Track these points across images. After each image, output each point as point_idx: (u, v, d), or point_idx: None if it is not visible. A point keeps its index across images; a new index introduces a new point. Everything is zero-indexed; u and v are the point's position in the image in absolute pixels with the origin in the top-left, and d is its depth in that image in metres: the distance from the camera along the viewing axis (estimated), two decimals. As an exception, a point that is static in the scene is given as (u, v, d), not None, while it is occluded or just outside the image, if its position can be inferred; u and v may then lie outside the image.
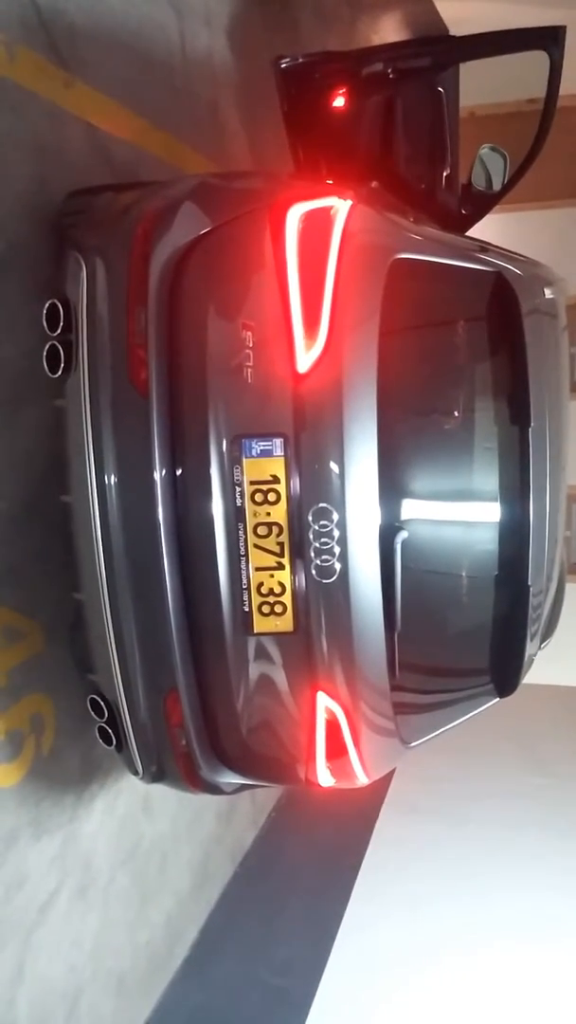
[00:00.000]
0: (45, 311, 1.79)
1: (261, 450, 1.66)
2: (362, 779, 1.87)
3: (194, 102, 2.85)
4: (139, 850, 2.62)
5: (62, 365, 1.77)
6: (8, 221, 1.92)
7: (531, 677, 2.34)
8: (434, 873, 3.69)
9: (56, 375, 1.79)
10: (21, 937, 2.07)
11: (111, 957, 2.49)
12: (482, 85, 5.08)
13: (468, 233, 2.90)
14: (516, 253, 2.34)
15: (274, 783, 2.02)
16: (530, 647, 2.23)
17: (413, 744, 2.02)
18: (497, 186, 2.93)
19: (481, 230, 2.92)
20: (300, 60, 2.83)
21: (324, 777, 1.83)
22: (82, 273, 1.76)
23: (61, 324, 1.77)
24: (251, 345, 1.64)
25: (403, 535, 1.77)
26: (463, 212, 2.98)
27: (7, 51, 1.91)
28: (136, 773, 1.97)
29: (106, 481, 1.71)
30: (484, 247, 2.24)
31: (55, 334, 1.77)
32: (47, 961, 2.17)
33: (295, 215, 1.65)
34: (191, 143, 2.80)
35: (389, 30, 4.74)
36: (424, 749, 2.10)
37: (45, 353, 1.79)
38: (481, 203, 2.96)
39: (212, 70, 2.96)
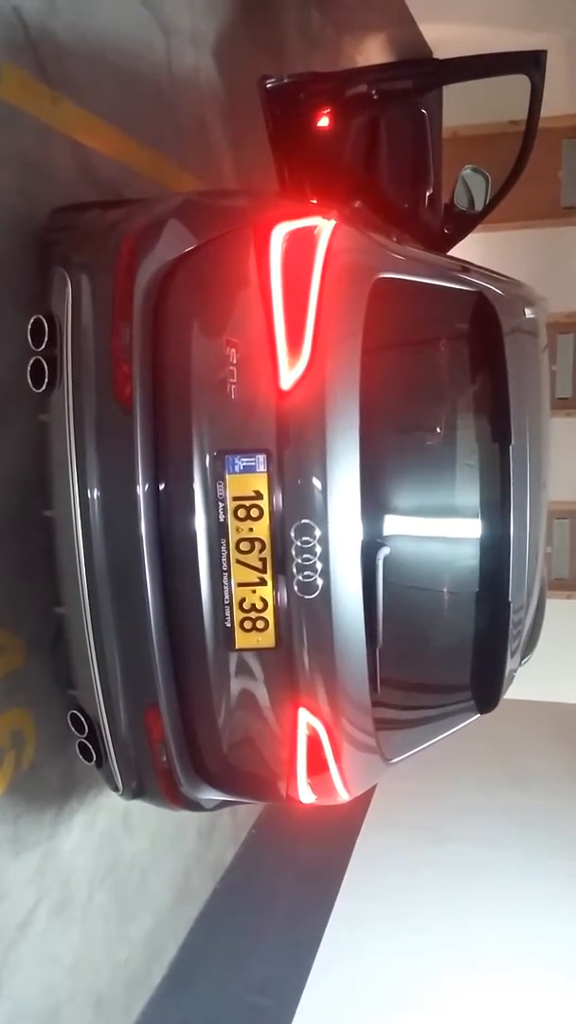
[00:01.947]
0: (30, 326, 1.80)
1: (244, 466, 1.67)
2: (343, 796, 1.87)
3: (180, 120, 2.87)
4: (119, 867, 2.60)
5: (46, 380, 1.77)
6: (-7, 236, 1.93)
7: (513, 692, 2.36)
8: (415, 891, 3.68)
9: (40, 390, 1.79)
10: (-2, 955, 2.05)
11: (90, 975, 2.46)
12: (465, 106, 5.16)
13: (450, 253, 2.94)
14: (498, 273, 2.37)
15: (255, 800, 2.01)
16: (511, 663, 2.25)
17: (394, 760, 2.02)
18: (479, 206, 2.97)
19: (463, 249, 2.96)
20: (285, 80, 2.86)
21: (305, 794, 1.83)
22: (67, 289, 1.77)
23: (46, 339, 1.77)
24: (235, 362, 1.65)
25: (385, 551, 1.79)
26: (445, 231, 3.02)
27: (-6, 68, 1.92)
28: (116, 789, 1.96)
29: (89, 496, 1.71)
30: (466, 267, 2.27)
31: (40, 349, 1.78)
32: (25, 979, 2.15)
33: (279, 234, 1.67)
34: (177, 161, 2.82)
35: (374, 52, 4.80)
36: (405, 765, 2.10)
37: (29, 368, 1.79)
38: (463, 223, 3.01)
39: (198, 89, 2.99)
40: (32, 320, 1.80)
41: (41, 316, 1.79)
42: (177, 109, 2.84)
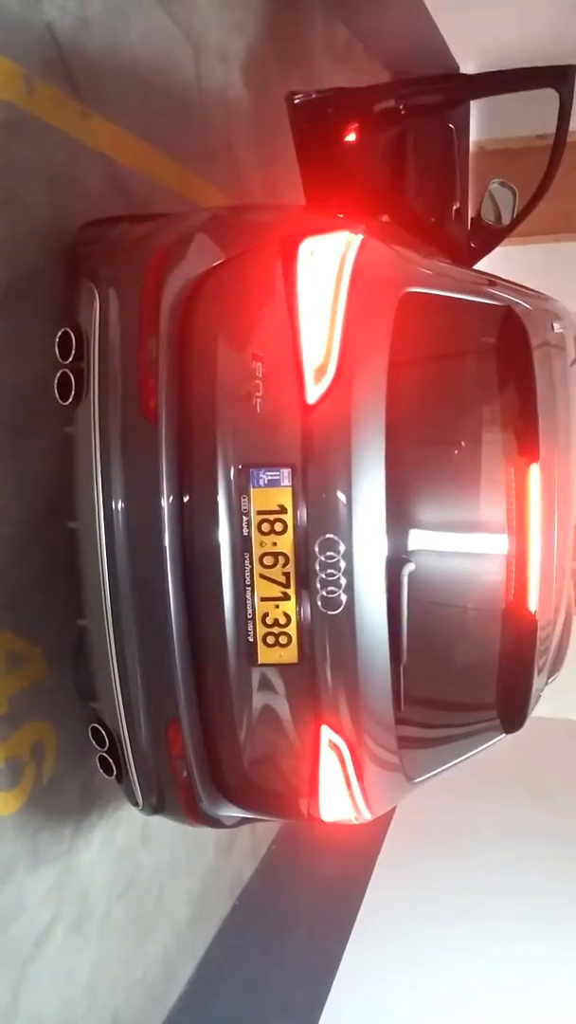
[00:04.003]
0: (58, 339, 1.81)
1: (269, 480, 1.66)
2: (365, 815, 1.84)
3: (209, 135, 2.89)
4: (137, 882, 2.58)
5: (73, 393, 1.78)
6: (24, 250, 1.94)
7: (539, 710, 2.31)
8: (436, 912, 3.62)
9: (67, 402, 1.79)
10: (16, 970, 2.04)
11: (106, 991, 2.44)
12: (492, 121, 5.16)
13: (476, 266, 2.93)
14: (525, 287, 2.35)
15: (276, 817, 2.00)
16: (537, 681, 2.21)
17: (418, 780, 1.99)
18: (506, 220, 2.96)
19: (489, 263, 2.95)
20: (313, 96, 2.87)
21: (327, 812, 1.81)
22: (95, 302, 1.77)
23: (73, 352, 1.78)
24: (260, 376, 1.65)
25: (410, 567, 1.76)
26: (472, 246, 3.01)
27: (26, 85, 1.94)
28: (136, 804, 1.94)
29: (113, 507, 1.71)
30: (493, 281, 2.25)
31: (67, 362, 1.78)
32: (42, 995, 2.13)
33: (307, 248, 1.67)
34: (205, 175, 2.84)
35: (401, 67, 4.81)
36: (428, 784, 2.07)
37: (56, 380, 1.80)
38: (490, 237, 2.99)
39: (227, 104, 3.01)
40: (60, 333, 1.80)
41: (69, 329, 1.79)
42: (206, 124, 2.87)
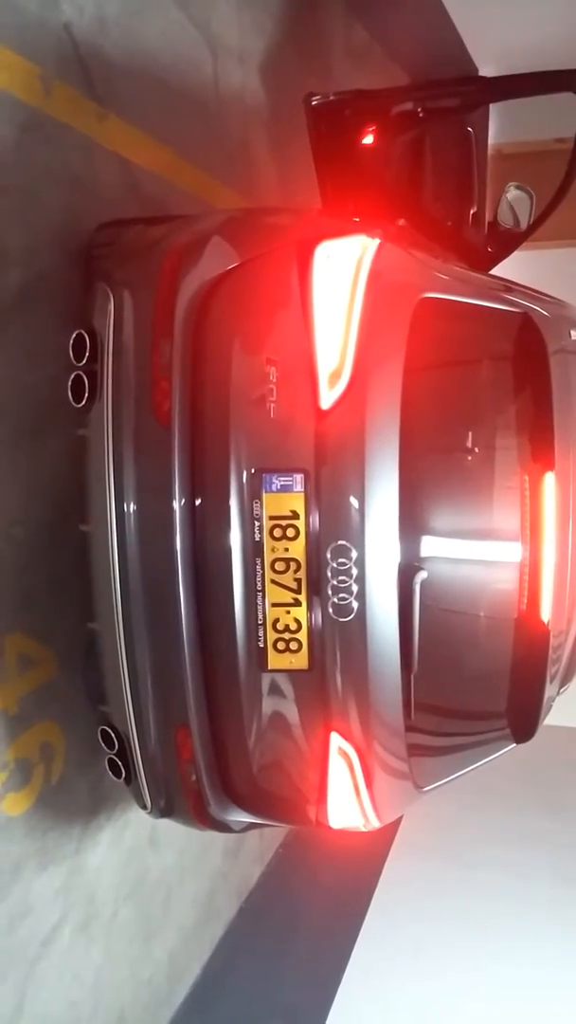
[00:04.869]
0: (72, 341, 1.80)
1: (281, 485, 1.65)
2: (374, 822, 1.83)
3: (225, 137, 2.89)
4: (144, 883, 2.58)
5: (86, 395, 1.78)
6: (39, 251, 1.94)
7: (550, 718, 2.30)
8: (443, 919, 3.60)
9: (80, 405, 1.79)
10: (23, 970, 2.04)
11: (112, 993, 2.44)
12: (511, 124, 5.14)
13: (493, 271, 2.91)
14: (542, 293, 2.34)
15: (284, 823, 1.99)
16: (549, 690, 2.19)
17: (427, 788, 1.98)
18: (524, 224, 2.94)
19: (506, 268, 2.93)
20: (331, 98, 2.86)
21: (335, 819, 1.80)
22: (109, 304, 1.77)
23: (87, 354, 1.77)
24: (274, 380, 1.64)
25: (422, 575, 1.75)
26: (489, 250, 2.99)
27: (43, 85, 1.94)
28: (144, 807, 1.94)
29: (125, 510, 1.70)
30: (510, 286, 2.23)
31: (80, 364, 1.78)
32: (48, 996, 2.14)
33: (323, 252, 1.66)
34: (221, 178, 2.83)
35: (419, 69, 4.79)
36: (437, 791, 2.06)
37: (70, 383, 1.80)
38: (507, 241, 2.98)
39: (244, 106, 3.01)
40: (74, 335, 1.80)
41: (83, 331, 1.79)
42: (222, 126, 2.86)
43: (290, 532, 1.65)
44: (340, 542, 1.64)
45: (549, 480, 2.02)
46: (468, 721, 2.22)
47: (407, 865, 3.89)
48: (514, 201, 2.94)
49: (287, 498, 1.65)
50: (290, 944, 3.33)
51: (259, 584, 1.67)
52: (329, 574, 1.64)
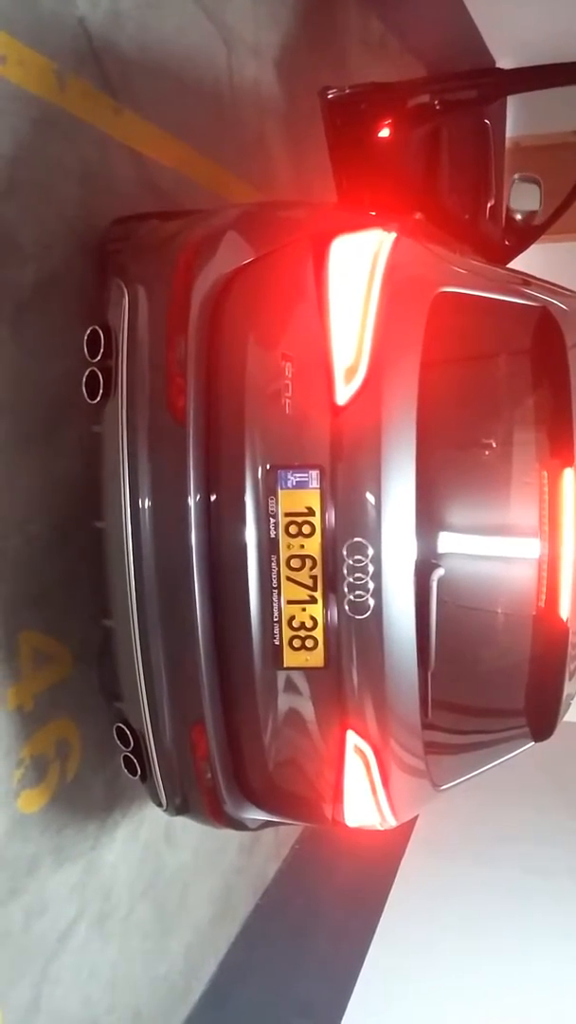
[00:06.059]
0: (86, 337, 1.79)
1: (297, 482, 1.63)
2: (390, 821, 1.82)
3: (240, 131, 2.87)
4: (160, 880, 2.58)
5: (101, 391, 1.77)
6: (54, 246, 1.94)
7: (570, 716, 2.27)
8: (460, 917, 3.58)
9: (95, 401, 1.78)
10: (39, 966, 2.05)
11: (128, 989, 2.44)
12: (528, 116, 5.09)
13: (511, 264, 2.88)
14: (560, 286, 2.31)
15: (299, 821, 1.98)
16: (568, 687, 2.17)
17: (444, 787, 1.96)
18: (533, 210, 2.89)
19: (523, 262, 2.90)
20: (347, 91, 2.84)
21: (351, 817, 1.79)
22: (124, 300, 1.76)
23: (102, 350, 1.77)
24: (290, 376, 1.63)
25: (439, 572, 1.73)
26: (506, 243, 2.96)
27: (58, 80, 1.94)
28: (160, 805, 1.94)
29: (140, 507, 1.70)
30: (527, 280, 2.21)
31: (95, 360, 1.77)
32: (64, 992, 2.14)
33: (338, 246, 1.64)
34: (236, 172, 2.82)
35: (436, 62, 4.75)
36: (453, 788, 2.04)
37: (84, 379, 1.79)
38: (525, 234, 2.94)
39: (259, 100, 2.99)
40: (89, 330, 1.79)
41: (97, 327, 1.78)
42: (237, 120, 2.85)
43: (306, 529, 1.64)
44: (356, 539, 1.62)
45: (568, 476, 2.00)
46: (486, 719, 2.20)
47: (424, 862, 3.88)
48: (521, 190, 2.89)
49: (303, 494, 1.63)
50: (306, 941, 3.33)
51: (275, 581, 1.66)
52: (345, 571, 1.63)
